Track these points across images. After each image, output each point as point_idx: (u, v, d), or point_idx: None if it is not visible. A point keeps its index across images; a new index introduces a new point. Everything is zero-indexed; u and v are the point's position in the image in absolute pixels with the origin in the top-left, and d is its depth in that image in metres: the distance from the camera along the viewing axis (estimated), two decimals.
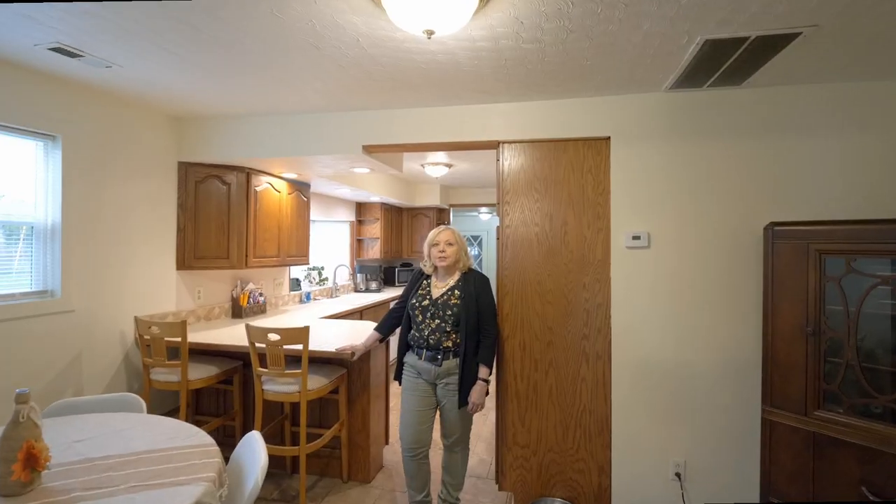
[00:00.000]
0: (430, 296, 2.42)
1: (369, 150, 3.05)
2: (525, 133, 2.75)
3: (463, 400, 2.32)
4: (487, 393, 2.35)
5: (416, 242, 6.85)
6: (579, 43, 1.98)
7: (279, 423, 3.10)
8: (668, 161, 2.56)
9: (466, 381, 2.31)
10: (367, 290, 6.17)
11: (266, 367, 2.67)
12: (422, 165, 5.04)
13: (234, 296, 3.95)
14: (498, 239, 2.80)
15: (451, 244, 2.41)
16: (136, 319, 2.88)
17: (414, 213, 6.91)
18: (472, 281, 2.41)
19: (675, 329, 2.54)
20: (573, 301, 2.67)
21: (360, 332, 3.25)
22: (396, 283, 6.82)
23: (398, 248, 6.75)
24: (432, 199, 6.61)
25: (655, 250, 2.57)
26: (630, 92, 2.59)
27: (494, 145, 2.83)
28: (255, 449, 1.86)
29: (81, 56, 2.23)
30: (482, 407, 2.34)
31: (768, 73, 2.26)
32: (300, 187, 4.34)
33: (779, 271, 2.08)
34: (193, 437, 1.94)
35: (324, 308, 4.59)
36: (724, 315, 2.48)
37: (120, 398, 2.36)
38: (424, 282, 2.50)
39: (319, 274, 5.59)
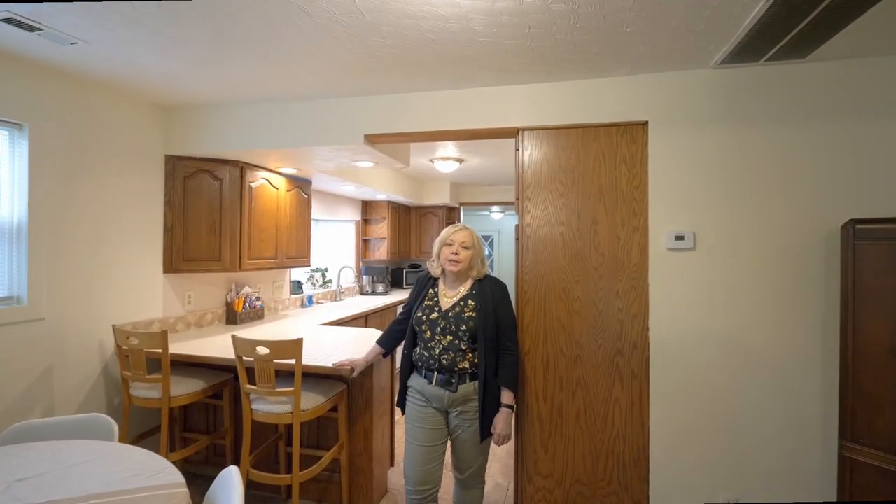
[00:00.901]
0: (440, 307, 2.08)
1: (372, 139, 2.72)
2: (549, 118, 2.41)
3: (485, 430, 1.98)
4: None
5: (424, 243, 6.53)
6: (621, 2, 1.64)
7: (273, 443, 2.79)
8: (716, 149, 2.21)
9: (488, 408, 1.98)
10: (374, 292, 5.87)
11: (255, 384, 2.36)
12: (431, 161, 4.72)
13: (229, 300, 3.66)
14: (517, 239, 2.47)
15: (466, 247, 2.07)
16: (114, 328, 2.59)
17: (423, 211, 6.60)
18: (489, 289, 2.06)
19: (725, 345, 2.19)
20: (604, 311, 2.33)
21: (364, 342, 2.94)
22: (404, 286, 6.51)
23: (406, 249, 6.44)
24: (442, 198, 6.29)
25: (702, 253, 2.22)
26: (672, 69, 2.23)
27: (513, 133, 2.49)
28: (230, 492, 1.55)
29: (39, 29, 1.94)
30: (509, 438, 2.00)
31: (843, 43, 1.90)
32: (300, 184, 4.03)
33: (862, 279, 1.72)
34: (158, 476, 1.64)
35: (326, 313, 4.29)
36: (786, 330, 2.12)
37: (88, 420, 2.08)
38: (431, 290, 2.16)
39: (323, 276, 5.30)
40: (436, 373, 2.01)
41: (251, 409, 2.39)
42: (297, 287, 4.67)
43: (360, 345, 2.89)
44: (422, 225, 6.60)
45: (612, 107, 2.33)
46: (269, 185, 3.60)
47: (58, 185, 2.48)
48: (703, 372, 2.21)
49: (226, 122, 2.95)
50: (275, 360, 2.31)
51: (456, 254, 2.05)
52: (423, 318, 2.07)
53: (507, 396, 2.00)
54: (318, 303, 4.94)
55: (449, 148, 4.22)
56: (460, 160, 4.66)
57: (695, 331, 2.22)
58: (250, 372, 2.38)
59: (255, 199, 3.42)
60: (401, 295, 5.83)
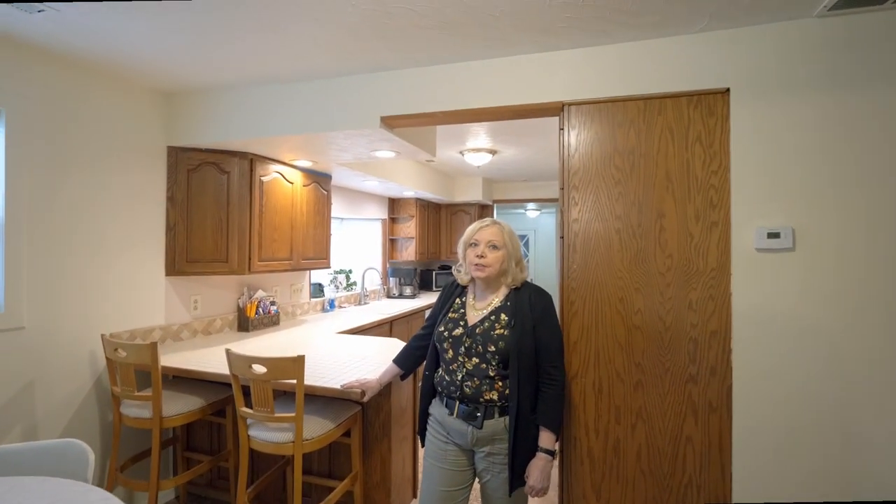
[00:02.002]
0: (465, 321, 1.68)
1: (390, 122, 2.35)
2: (600, 89, 1.97)
3: (517, 479, 1.57)
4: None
5: (455, 243, 6.13)
6: None
7: (280, 470, 2.46)
8: (823, 122, 1.71)
9: (521, 452, 1.56)
10: (401, 295, 5.52)
11: (251, 408, 2.03)
12: (460, 153, 4.32)
13: (241, 305, 3.37)
14: (561, 238, 2.04)
15: (495, 247, 1.65)
16: (103, 338, 2.31)
17: (453, 209, 6.21)
18: (528, 300, 1.65)
19: (839, 375, 1.69)
20: (673, 326, 1.87)
21: (387, 354, 2.58)
22: (434, 288, 6.14)
23: (436, 249, 6.06)
24: (474, 194, 5.88)
25: (805, 254, 1.73)
26: (763, 20, 1.76)
27: (556, 109, 2.06)
28: None
29: None
30: (546, 491, 1.58)
31: None
32: (319, 179, 3.71)
33: None
34: None
35: (348, 318, 3.96)
36: None
37: (60, 447, 1.79)
38: (458, 300, 1.76)
39: (347, 278, 4.98)
40: (458, 402, 1.62)
41: (248, 437, 2.06)
42: (317, 290, 4.36)
43: (380, 358, 2.53)
44: (452, 224, 6.22)
45: (682, 72, 1.87)
46: (283, 180, 3.28)
47: (43, 178, 2.22)
48: (810, 408, 1.72)
49: (231, 108, 2.64)
50: (274, 381, 1.98)
51: (482, 256, 1.64)
52: (446, 333, 1.68)
53: (546, 439, 1.57)
54: (340, 307, 4.63)
55: (480, 137, 3.81)
56: (493, 151, 4.24)
57: (797, 353, 1.73)
58: (249, 391, 2.06)
59: (266, 194, 3.11)
60: (430, 298, 5.46)
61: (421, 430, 1.80)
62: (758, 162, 1.78)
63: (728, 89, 1.82)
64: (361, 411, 2.34)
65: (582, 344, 1.97)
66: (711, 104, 1.85)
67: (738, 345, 1.80)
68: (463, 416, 1.60)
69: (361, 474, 2.33)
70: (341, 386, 2.02)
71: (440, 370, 1.71)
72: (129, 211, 2.62)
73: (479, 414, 1.57)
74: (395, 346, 2.80)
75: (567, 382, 1.96)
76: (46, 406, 2.25)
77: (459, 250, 1.76)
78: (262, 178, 3.07)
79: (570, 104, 2.02)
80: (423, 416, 1.79)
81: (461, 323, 1.67)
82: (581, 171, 1.99)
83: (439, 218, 6.21)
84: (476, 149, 4.17)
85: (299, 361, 1.93)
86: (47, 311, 2.24)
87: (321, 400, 2.27)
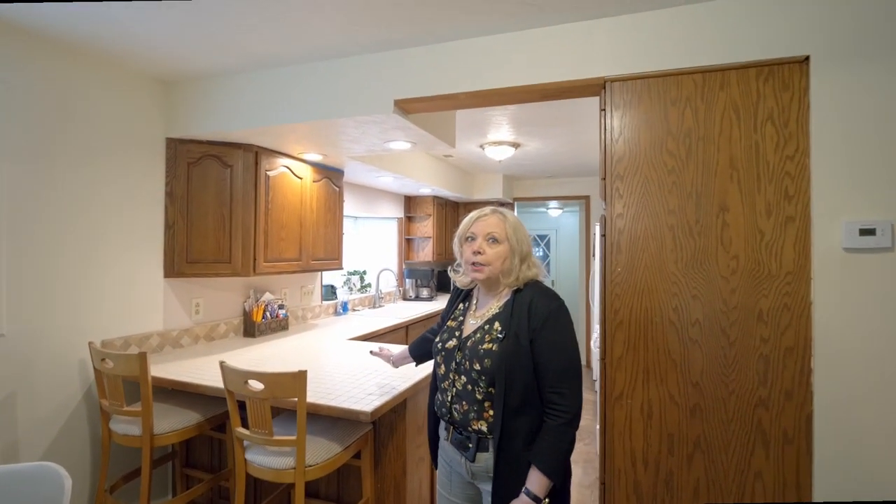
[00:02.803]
0: (461, 331, 1.40)
1: (405, 106, 2.10)
2: (649, 62, 1.69)
3: None
4: None
5: None
6: None
7: (283, 494, 2.22)
8: None
9: (502, 491, 1.25)
10: (418, 297, 5.27)
11: (248, 428, 1.79)
12: (481, 146, 4.05)
13: (247, 309, 3.15)
14: (603, 236, 1.76)
15: (496, 241, 1.34)
16: (91, 346, 2.11)
17: (472, 208, 5.90)
18: (527, 304, 1.30)
19: None
20: (739, 341, 1.57)
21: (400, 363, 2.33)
22: (451, 290, 5.87)
23: (453, 249, 5.80)
24: (494, 192, 5.61)
25: None
26: None
27: (597, 87, 1.79)
28: None
29: None
30: None
31: None
32: (330, 174, 3.48)
33: None
34: None
35: (361, 322, 3.72)
36: None
37: (32, 471, 1.58)
38: (461, 305, 1.49)
39: (361, 279, 4.75)
40: (452, 428, 1.37)
41: (245, 460, 1.82)
42: (329, 292, 4.14)
43: (393, 369, 2.27)
44: None
45: (750, 38, 1.57)
46: (291, 175, 3.06)
47: (28, 172, 2.02)
48: None
49: (233, 95, 2.42)
50: (273, 398, 1.74)
51: (479, 252, 1.34)
52: (440, 345, 1.42)
53: (536, 481, 1.21)
54: (353, 310, 4.40)
55: (503, 129, 3.54)
56: (516, 144, 3.96)
57: None
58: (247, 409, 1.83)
59: (272, 190, 2.89)
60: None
61: (432, 452, 1.55)
62: (845, 143, 1.48)
63: (807, 57, 1.52)
64: (373, 430, 2.09)
65: (627, 360, 1.69)
66: (786, 76, 1.55)
67: (821, 364, 1.50)
68: (455, 443, 1.35)
69: (373, 501, 2.08)
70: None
71: (437, 390, 1.46)
72: (124, 207, 2.42)
73: (470, 444, 1.30)
74: None
75: (610, 403, 1.68)
76: (30, 420, 2.05)
77: (455, 247, 1.46)
78: (268, 172, 2.85)
79: (612, 80, 1.74)
80: (432, 437, 1.54)
81: (456, 333, 1.40)
82: (627, 157, 1.71)
83: (457, 217, 5.94)
84: (497, 142, 3.89)
85: (300, 378, 1.69)
86: (31, 317, 2.05)
87: (328, 419, 2.03)
